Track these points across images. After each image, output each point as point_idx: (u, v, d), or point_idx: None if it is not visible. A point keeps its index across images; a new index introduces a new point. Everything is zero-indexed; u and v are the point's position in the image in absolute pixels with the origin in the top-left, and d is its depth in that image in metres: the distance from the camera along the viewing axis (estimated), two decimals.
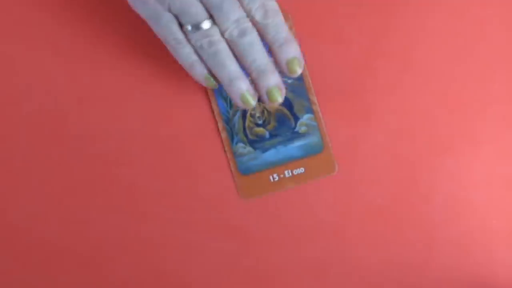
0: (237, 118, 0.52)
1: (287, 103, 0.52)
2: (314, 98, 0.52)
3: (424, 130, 0.52)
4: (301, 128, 0.52)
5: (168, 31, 0.47)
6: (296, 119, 0.52)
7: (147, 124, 0.52)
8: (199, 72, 0.48)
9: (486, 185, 0.52)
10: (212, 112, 0.52)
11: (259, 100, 0.49)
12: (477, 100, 0.52)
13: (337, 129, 0.52)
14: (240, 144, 0.52)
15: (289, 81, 0.52)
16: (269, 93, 0.47)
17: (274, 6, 0.47)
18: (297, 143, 0.52)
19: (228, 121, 0.52)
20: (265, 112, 0.52)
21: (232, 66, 0.47)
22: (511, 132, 0.52)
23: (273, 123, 0.52)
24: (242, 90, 0.47)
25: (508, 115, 0.53)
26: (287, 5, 0.52)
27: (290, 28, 0.52)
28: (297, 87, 0.52)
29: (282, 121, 0.52)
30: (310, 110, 0.52)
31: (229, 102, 0.52)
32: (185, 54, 0.48)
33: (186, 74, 0.51)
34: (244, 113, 0.52)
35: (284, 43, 0.47)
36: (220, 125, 0.52)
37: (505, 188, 0.52)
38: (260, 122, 0.52)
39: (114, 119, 0.53)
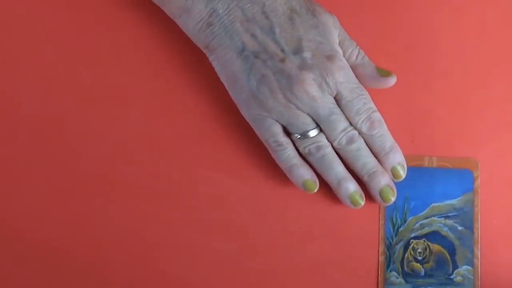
0: (399, 247, 0.52)
1: (451, 248, 0.52)
2: (478, 252, 0.52)
3: (426, 132, 0.53)
4: (457, 277, 0.52)
5: (270, 134, 0.50)
6: (455, 266, 0.52)
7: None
8: (297, 175, 0.51)
9: (486, 185, 0.52)
10: (378, 234, 0.52)
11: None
12: (477, 100, 0.53)
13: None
14: (394, 273, 0.52)
15: (460, 228, 0.52)
16: (381, 193, 0.51)
17: (378, 117, 0.50)
18: None
19: (389, 247, 0.52)
20: (428, 250, 0.52)
21: (339, 168, 0.51)
22: (511, 132, 0.53)
23: (431, 263, 0.52)
24: (350, 190, 0.50)
25: (508, 115, 0.53)
26: None
27: None
28: (465, 236, 0.52)
29: (441, 264, 0.52)
30: (471, 263, 0.52)
31: (396, 229, 0.52)
32: (285, 157, 0.50)
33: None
34: (406, 244, 0.52)
35: (389, 151, 0.51)
36: (381, 248, 0.52)
37: (505, 188, 0.52)
38: (419, 257, 0.52)
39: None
